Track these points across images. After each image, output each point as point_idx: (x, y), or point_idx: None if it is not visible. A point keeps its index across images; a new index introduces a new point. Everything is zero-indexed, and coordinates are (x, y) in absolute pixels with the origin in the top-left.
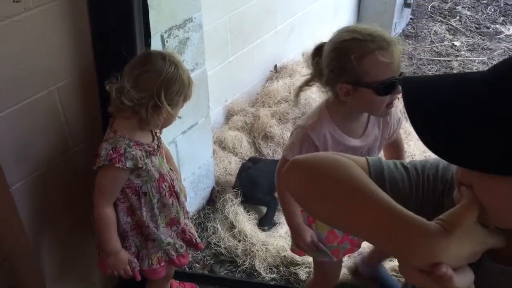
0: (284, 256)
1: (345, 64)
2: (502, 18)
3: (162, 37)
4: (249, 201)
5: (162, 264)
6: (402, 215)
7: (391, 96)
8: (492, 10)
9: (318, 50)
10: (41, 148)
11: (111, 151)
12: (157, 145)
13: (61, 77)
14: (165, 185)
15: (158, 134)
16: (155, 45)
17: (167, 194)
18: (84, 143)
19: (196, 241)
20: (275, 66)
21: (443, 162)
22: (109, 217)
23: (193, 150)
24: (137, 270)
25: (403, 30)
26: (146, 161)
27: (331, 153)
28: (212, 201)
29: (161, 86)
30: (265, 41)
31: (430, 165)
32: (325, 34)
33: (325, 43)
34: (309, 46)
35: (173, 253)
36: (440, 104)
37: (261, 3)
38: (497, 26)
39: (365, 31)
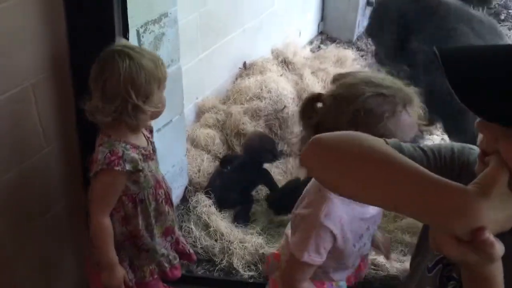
0: (262, 253)
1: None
2: None
3: (138, 32)
4: (225, 206)
5: (155, 276)
6: (438, 180)
7: None
8: None
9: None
10: (13, 149)
11: (108, 154)
12: (152, 149)
13: (35, 73)
14: (161, 192)
15: (151, 139)
16: (131, 41)
17: (163, 201)
18: (58, 142)
19: (189, 251)
20: (244, 63)
21: (457, 145)
22: (108, 227)
23: (168, 149)
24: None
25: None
26: (143, 165)
27: (350, 132)
28: (186, 200)
29: (127, 86)
30: (234, 38)
31: (445, 148)
32: (292, 31)
33: (321, 94)
34: (278, 43)
35: (166, 264)
36: (477, 67)
37: (229, 0)
38: None
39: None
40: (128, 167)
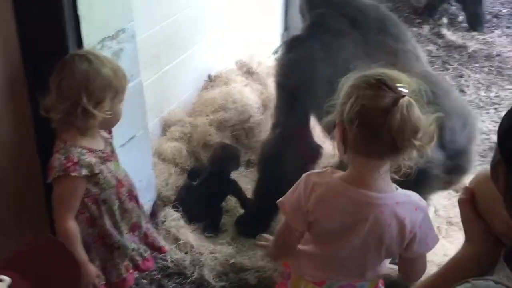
0: (233, 263)
1: None
2: (417, 20)
3: (94, 49)
4: (195, 219)
5: (131, 271)
6: None
7: None
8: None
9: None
10: None
11: (64, 161)
12: (111, 150)
13: None
14: (123, 190)
15: (109, 140)
16: None
17: (127, 199)
18: (16, 158)
19: (159, 244)
20: (209, 75)
21: None
22: (73, 230)
23: (133, 164)
24: (103, 284)
25: None
26: (101, 167)
27: None
28: (155, 214)
29: (80, 89)
30: (198, 50)
31: None
32: (256, 42)
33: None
34: (242, 54)
35: (138, 258)
36: None
37: (192, 13)
38: (415, 28)
39: None
40: (84, 172)
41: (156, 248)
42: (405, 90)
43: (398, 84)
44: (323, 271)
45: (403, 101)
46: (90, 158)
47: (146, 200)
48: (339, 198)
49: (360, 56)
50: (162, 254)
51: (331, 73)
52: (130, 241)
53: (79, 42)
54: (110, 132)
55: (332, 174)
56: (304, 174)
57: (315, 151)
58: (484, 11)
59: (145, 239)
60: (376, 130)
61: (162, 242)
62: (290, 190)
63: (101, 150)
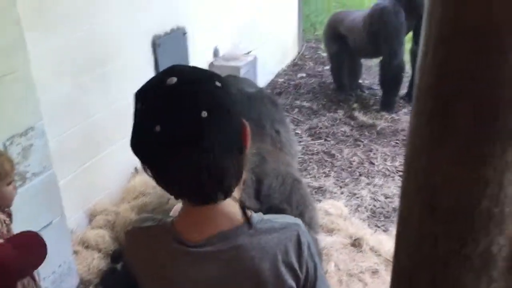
0: None
1: None
2: (334, 107)
3: (4, 144)
4: None
5: None
6: None
7: None
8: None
9: None
10: None
11: None
12: (7, 230)
13: None
14: None
15: (7, 222)
16: None
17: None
18: None
19: None
20: (136, 168)
21: None
22: None
23: (51, 249)
24: None
25: None
26: None
27: None
28: None
29: None
30: (123, 145)
31: None
32: None
33: None
34: None
35: None
36: None
37: (113, 112)
38: (331, 113)
39: None
40: None
41: None
42: None
43: None
44: None
45: None
46: None
47: (69, 286)
48: None
49: None
50: None
51: None
52: None
53: None
54: (9, 216)
55: None
56: None
57: None
58: (397, 99)
59: None
60: None
61: None
62: None
63: None
